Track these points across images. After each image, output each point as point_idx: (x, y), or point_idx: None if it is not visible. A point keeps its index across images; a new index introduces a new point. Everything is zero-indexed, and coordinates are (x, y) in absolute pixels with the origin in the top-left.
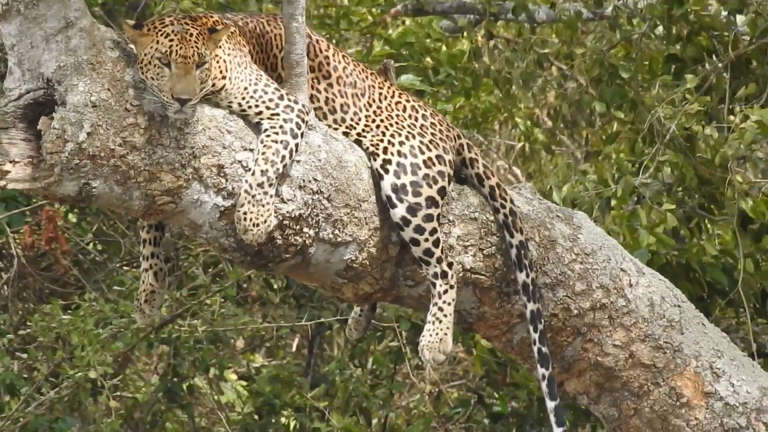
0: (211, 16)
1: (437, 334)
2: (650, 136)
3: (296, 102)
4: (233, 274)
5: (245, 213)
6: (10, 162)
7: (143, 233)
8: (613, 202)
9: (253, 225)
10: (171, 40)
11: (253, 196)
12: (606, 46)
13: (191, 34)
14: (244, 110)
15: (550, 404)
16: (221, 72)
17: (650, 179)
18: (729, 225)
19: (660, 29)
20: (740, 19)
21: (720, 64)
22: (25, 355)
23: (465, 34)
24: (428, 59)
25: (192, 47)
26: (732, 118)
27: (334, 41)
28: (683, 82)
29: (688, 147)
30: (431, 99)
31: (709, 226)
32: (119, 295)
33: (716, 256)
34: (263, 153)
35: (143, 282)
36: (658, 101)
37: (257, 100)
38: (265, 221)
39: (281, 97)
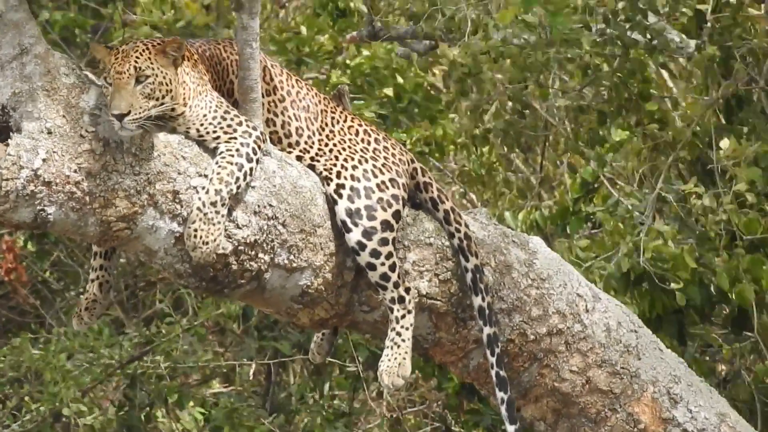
0: (174, 38)
1: (396, 359)
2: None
3: (255, 128)
4: (203, 313)
5: (195, 230)
6: None
7: (95, 246)
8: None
9: (203, 243)
10: (115, 58)
11: (205, 214)
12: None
13: (135, 50)
14: (201, 135)
15: (510, 429)
16: (184, 99)
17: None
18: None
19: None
20: None
21: None
22: None
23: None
24: (386, 90)
25: (130, 62)
26: None
27: (290, 68)
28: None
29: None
30: (388, 130)
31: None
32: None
33: (694, 269)
34: (218, 173)
35: (87, 290)
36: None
37: (215, 126)
38: (215, 240)
39: (240, 123)
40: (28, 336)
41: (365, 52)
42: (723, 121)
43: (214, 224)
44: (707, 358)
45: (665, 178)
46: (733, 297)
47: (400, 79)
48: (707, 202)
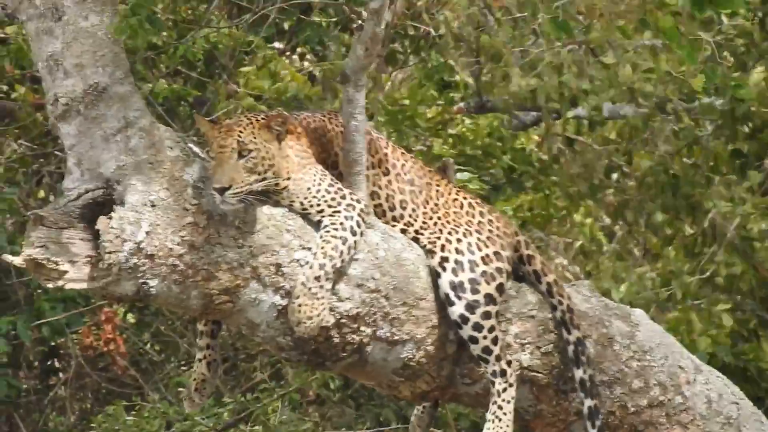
0: (279, 113)
1: None
2: (709, 237)
3: (358, 201)
4: (298, 379)
5: (300, 305)
6: (69, 262)
7: (200, 325)
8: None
9: (307, 318)
10: (219, 132)
11: (309, 289)
12: (670, 149)
13: (239, 124)
14: (305, 208)
15: None
16: (287, 172)
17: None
18: None
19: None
20: None
21: None
22: None
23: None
24: (494, 160)
25: (233, 137)
26: None
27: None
28: (747, 178)
29: (746, 248)
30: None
31: None
32: (178, 395)
33: None
34: (322, 247)
35: (195, 371)
36: (719, 199)
37: (320, 199)
38: (319, 315)
39: (343, 197)
40: (123, 403)
41: (468, 122)
42: None
43: (318, 299)
44: None
45: None
46: None
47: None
48: None
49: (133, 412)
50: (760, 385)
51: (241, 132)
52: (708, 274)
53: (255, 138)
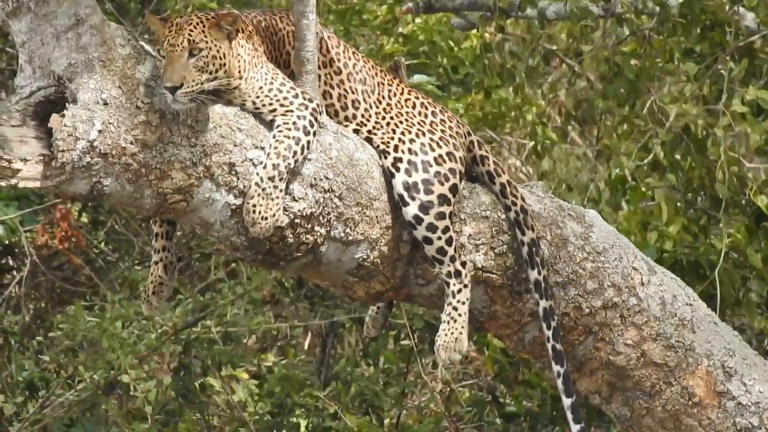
0: (229, 11)
1: (452, 333)
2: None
3: (311, 101)
4: (257, 278)
5: (254, 206)
6: (22, 160)
7: (155, 227)
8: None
9: (262, 218)
10: (169, 31)
11: (263, 189)
12: (614, 41)
13: (189, 23)
14: (257, 108)
15: (567, 401)
16: (239, 71)
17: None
18: (741, 223)
19: (669, 24)
20: (750, 15)
21: (727, 57)
22: (45, 358)
23: (477, 29)
24: (442, 58)
25: (183, 35)
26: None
27: (345, 37)
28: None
29: (698, 147)
30: (441, 99)
31: (721, 225)
32: (132, 293)
33: (726, 253)
34: (275, 147)
35: (152, 274)
36: (669, 96)
37: (272, 99)
38: (274, 215)
39: (296, 95)
40: (83, 304)
41: (418, 21)
42: None
43: (272, 199)
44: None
45: None
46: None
47: (456, 50)
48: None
49: (87, 312)
50: (713, 283)
51: (191, 31)
52: (650, 158)
53: (205, 37)
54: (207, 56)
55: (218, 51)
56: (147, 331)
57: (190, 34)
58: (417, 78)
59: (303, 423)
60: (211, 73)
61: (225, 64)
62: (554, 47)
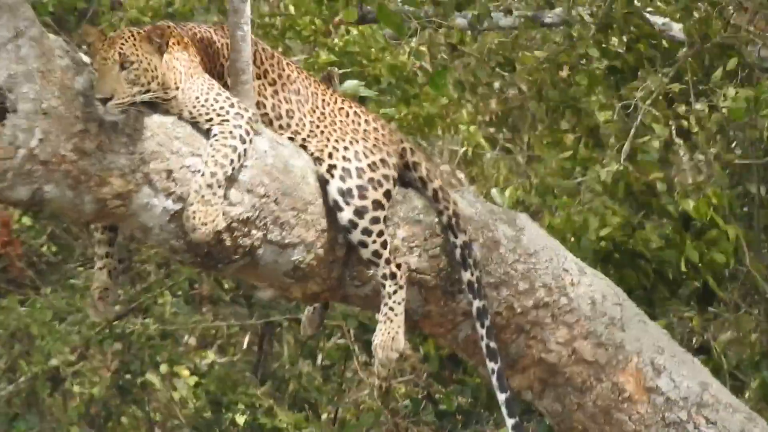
0: (165, 26)
1: (389, 333)
2: (592, 139)
3: (246, 110)
4: (186, 270)
5: (194, 212)
6: None
7: (97, 234)
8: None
9: (202, 224)
10: (102, 45)
11: (203, 196)
12: (550, 53)
13: (121, 37)
14: (194, 117)
15: (501, 396)
16: (175, 82)
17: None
18: (669, 225)
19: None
20: (676, 26)
21: (661, 73)
22: None
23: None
24: (371, 68)
25: (115, 49)
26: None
27: (280, 50)
28: (623, 90)
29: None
30: (375, 107)
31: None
32: (73, 293)
33: (660, 247)
34: (213, 156)
35: (97, 280)
36: (600, 108)
37: (208, 108)
38: (213, 220)
39: (231, 105)
40: (17, 297)
41: (354, 32)
42: None
43: (211, 205)
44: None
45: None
46: (703, 268)
47: (383, 60)
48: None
49: (25, 306)
50: (647, 275)
51: (122, 44)
52: (587, 176)
53: (137, 50)
54: (138, 69)
55: (149, 64)
56: (80, 323)
57: (121, 48)
58: (348, 85)
59: (241, 420)
60: (142, 85)
61: (157, 77)
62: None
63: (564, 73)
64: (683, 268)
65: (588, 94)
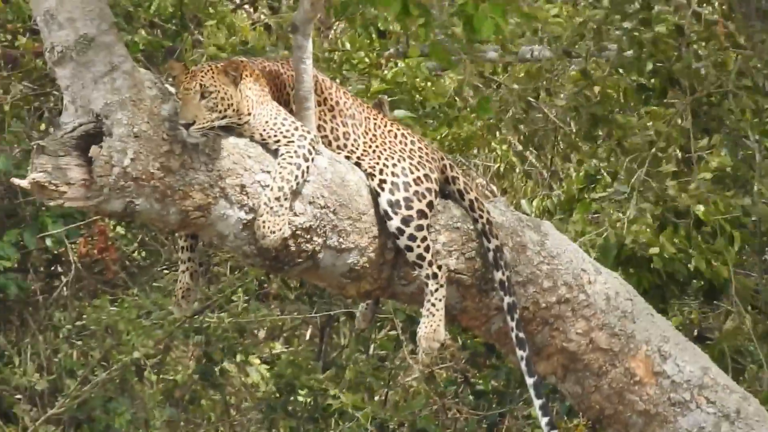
0: (240, 60)
1: (431, 326)
2: (621, 148)
3: (308, 132)
4: (252, 271)
5: (264, 222)
6: (67, 184)
7: (181, 241)
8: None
9: (270, 232)
10: (185, 77)
11: (271, 208)
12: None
13: (201, 70)
14: (264, 139)
15: (529, 380)
16: (247, 109)
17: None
18: (684, 228)
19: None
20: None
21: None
22: (80, 342)
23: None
24: (417, 95)
25: (196, 81)
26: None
27: (338, 80)
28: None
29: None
30: (421, 129)
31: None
32: (160, 293)
33: (674, 254)
34: (280, 172)
35: (180, 281)
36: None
37: (276, 131)
38: (281, 229)
39: (296, 128)
40: (108, 297)
41: (401, 65)
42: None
43: (279, 216)
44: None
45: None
46: (708, 275)
47: (427, 88)
48: (672, 192)
49: (116, 305)
50: (660, 275)
51: (203, 77)
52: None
53: (215, 82)
54: (216, 98)
55: (226, 93)
56: (164, 319)
57: (201, 80)
58: (397, 112)
59: (306, 400)
60: (220, 112)
61: (233, 104)
62: (515, 87)
63: (597, 90)
64: (691, 270)
65: (622, 107)
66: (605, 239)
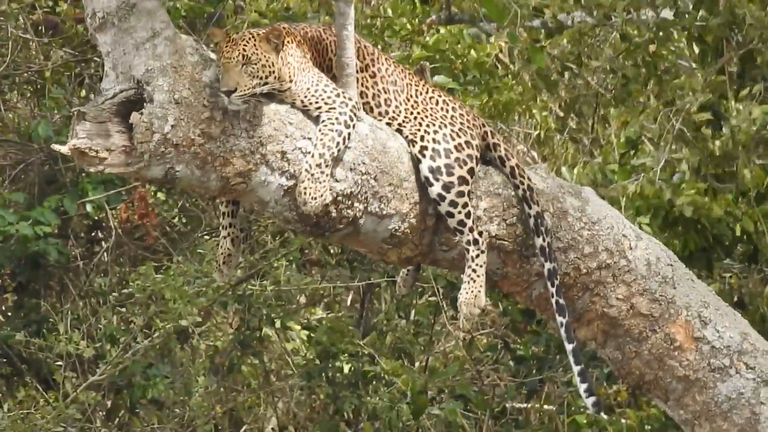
0: (281, 27)
1: (472, 291)
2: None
3: (350, 99)
4: (297, 241)
5: (305, 188)
6: (107, 150)
7: (222, 207)
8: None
9: (312, 198)
10: (226, 45)
11: (312, 175)
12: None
13: (243, 38)
14: (305, 106)
15: (569, 346)
16: (289, 76)
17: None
18: (731, 192)
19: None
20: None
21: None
22: (123, 309)
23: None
24: (458, 63)
25: (238, 49)
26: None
27: (379, 47)
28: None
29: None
30: (462, 96)
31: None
32: (201, 259)
33: (721, 217)
34: (321, 139)
35: (221, 247)
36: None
37: (317, 98)
38: (322, 195)
39: (338, 95)
40: (153, 264)
41: (442, 31)
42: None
43: (320, 182)
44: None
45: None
46: (755, 238)
47: (468, 56)
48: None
49: (160, 272)
50: (707, 238)
51: (245, 44)
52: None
53: (256, 49)
54: (257, 65)
55: (267, 60)
56: (207, 286)
57: (243, 47)
58: (438, 78)
59: (346, 367)
60: (261, 78)
61: (274, 71)
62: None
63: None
64: (737, 234)
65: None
66: (655, 199)
